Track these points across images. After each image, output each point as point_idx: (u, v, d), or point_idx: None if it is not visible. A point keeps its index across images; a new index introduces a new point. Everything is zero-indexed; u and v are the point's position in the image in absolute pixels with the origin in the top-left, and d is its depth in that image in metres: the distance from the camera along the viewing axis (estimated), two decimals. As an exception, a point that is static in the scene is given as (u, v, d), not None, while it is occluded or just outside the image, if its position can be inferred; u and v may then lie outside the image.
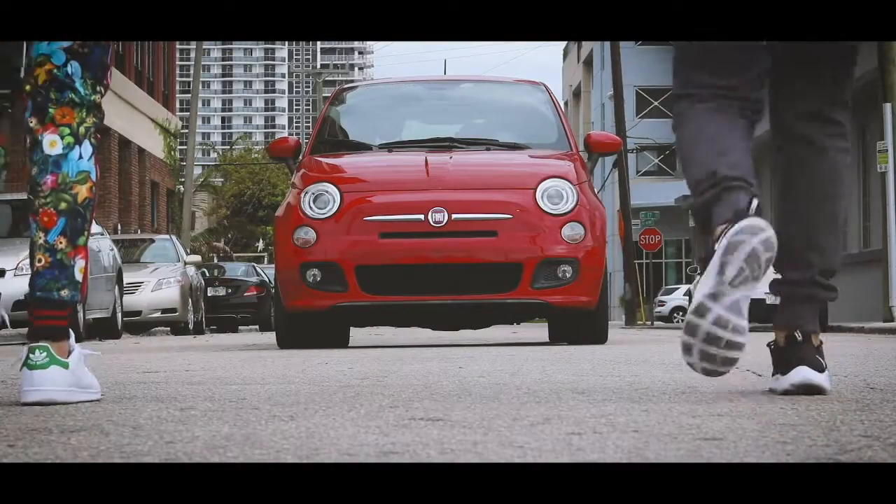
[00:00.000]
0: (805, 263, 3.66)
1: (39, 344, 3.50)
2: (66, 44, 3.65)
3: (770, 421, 2.85)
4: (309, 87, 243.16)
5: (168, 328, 25.11)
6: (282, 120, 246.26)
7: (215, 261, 54.21)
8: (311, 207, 10.03)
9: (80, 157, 3.62)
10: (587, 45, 69.53)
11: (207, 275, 31.74)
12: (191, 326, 24.41)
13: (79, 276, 3.59)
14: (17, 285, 15.90)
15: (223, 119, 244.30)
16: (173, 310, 23.69)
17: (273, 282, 13.46)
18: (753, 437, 2.51)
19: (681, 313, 45.46)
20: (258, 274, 34.58)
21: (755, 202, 3.45)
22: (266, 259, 64.06)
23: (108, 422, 2.97)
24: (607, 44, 52.36)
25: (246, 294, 32.84)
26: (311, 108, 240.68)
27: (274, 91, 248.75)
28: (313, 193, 10.06)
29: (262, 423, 2.89)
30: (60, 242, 3.57)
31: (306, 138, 12.49)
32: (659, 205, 47.64)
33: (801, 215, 3.69)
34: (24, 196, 19.53)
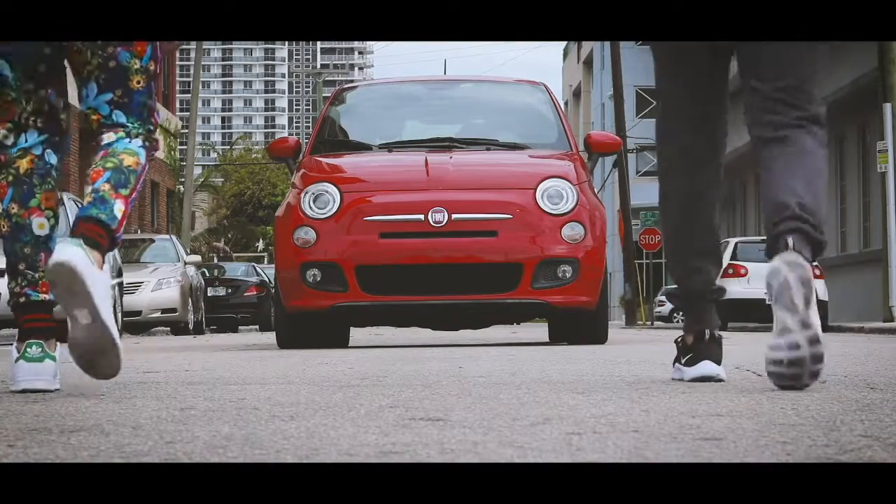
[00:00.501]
0: (784, 203, 3.82)
1: (78, 237, 3.88)
2: (107, 97, 4.14)
3: (770, 421, 2.85)
4: (309, 87, 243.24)
5: (168, 328, 25.12)
6: (282, 120, 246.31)
7: (215, 261, 54.20)
8: (311, 207, 10.03)
9: (130, 143, 4.10)
10: (587, 45, 69.53)
11: (207, 275, 31.74)
12: (191, 326, 24.41)
13: (118, 214, 3.93)
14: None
15: (223, 119, 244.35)
16: (173, 310, 23.69)
17: (273, 282, 13.46)
18: (753, 437, 2.51)
19: (680, 313, 45.44)
20: (258, 274, 34.58)
21: (714, 318, 4.20)
22: (266, 259, 64.04)
23: (108, 422, 2.97)
24: (607, 44, 52.36)
25: (246, 294, 32.84)
26: (311, 108, 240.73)
27: (274, 91, 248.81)
28: (313, 193, 10.06)
29: (262, 423, 2.89)
30: (104, 187, 3.96)
31: (306, 138, 12.50)
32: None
33: (774, 174, 3.90)
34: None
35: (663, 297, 49.08)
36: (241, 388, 4.26)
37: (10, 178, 4.17)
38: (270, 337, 15.84)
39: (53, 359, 4.02)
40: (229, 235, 73.14)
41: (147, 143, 4.14)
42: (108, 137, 4.11)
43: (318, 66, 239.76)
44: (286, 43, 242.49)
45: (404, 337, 16.34)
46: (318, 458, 2.26)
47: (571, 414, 3.06)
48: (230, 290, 32.85)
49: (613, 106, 42.09)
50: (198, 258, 27.41)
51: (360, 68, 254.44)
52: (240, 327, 32.94)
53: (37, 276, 4.17)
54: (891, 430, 2.64)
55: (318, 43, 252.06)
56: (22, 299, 4.15)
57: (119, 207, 3.94)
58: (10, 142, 4.20)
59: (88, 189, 3.98)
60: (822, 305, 24.91)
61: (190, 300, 24.50)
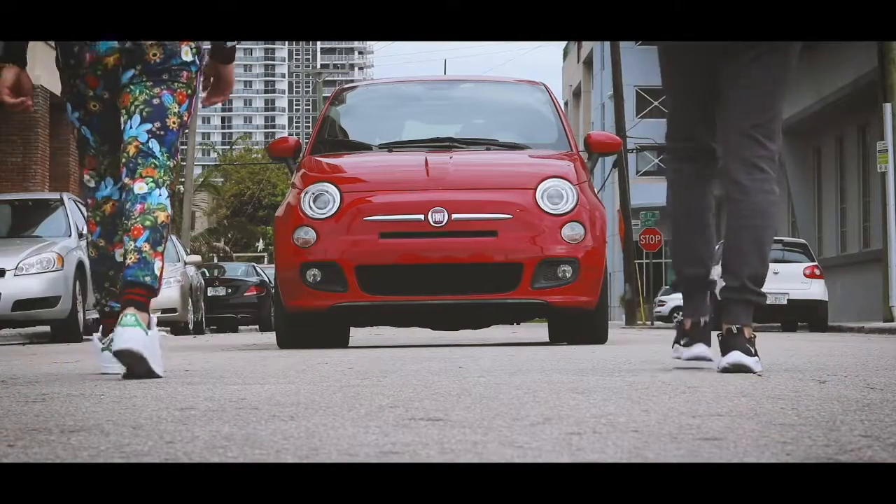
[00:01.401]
0: (737, 274, 5.14)
1: (129, 311, 4.86)
2: (147, 126, 5.07)
3: (770, 421, 2.85)
4: (309, 87, 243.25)
5: (168, 328, 25.13)
6: (282, 120, 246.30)
7: (215, 261, 54.18)
8: (311, 207, 10.02)
9: (160, 195, 5.05)
10: (587, 45, 69.53)
11: (207, 275, 31.73)
12: (191, 326, 24.41)
13: (157, 272, 5.00)
14: (17, 285, 15.87)
15: (223, 119, 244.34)
16: (173, 310, 23.70)
17: (273, 282, 13.46)
18: (753, 437, 2.51)
19: (680, 313, 45.45)
20: (258, 274, 34.57)
21: (707, 308, 5.39)
22: (266, 259, 64.04)
23: (108, 422, 2.97)
24: (607, 44, 52.37)
25: (246, 294, 32.84)
26: (311, 108, 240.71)
27: (274, 91, 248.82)
28: (313, 193, 10.06)
29: (262, 423, 2.89)
30: (145, 247, 4.98)
31: (306, 138, 12.49)
32: (659, 205, 47.60)
33: (734, 239, 5.17)
34: (23, 196, 19.54)
35: (663, 297, 49.11)
36: (241, 388, 4.26)
37: (99, 218, 5.45)
38: (270, 337, 15.85)
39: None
40: (229, 235, 73.14)
41: (170, 191, 5.13)
42: (139, 187, 5.03)
43: (318, 66, 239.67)
44: (286, 43, 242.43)
45: (404, 337, 16.35)
46: (318, 458, 2.26)
47: (571, 414, 3.06)
48: (230, 290, 32.85)
49: (613, 106, 42.10)
50: (198, 258, 27.39)
51: (360, 68, 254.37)
52: (240, 327, 32.93)
53: (115, 289, 5.43)
54: (891, 430, 2.64)
55: (318, 43, 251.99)
56: (107, 308, 5.52)
57: (158, 265, 4.99)
58: (93, 184, 5.45)
59: (131, 245, 4.98)
60: (822, 305, 24.91)
61: (190, 300, 24.49)
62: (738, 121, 5.10)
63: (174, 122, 5.11)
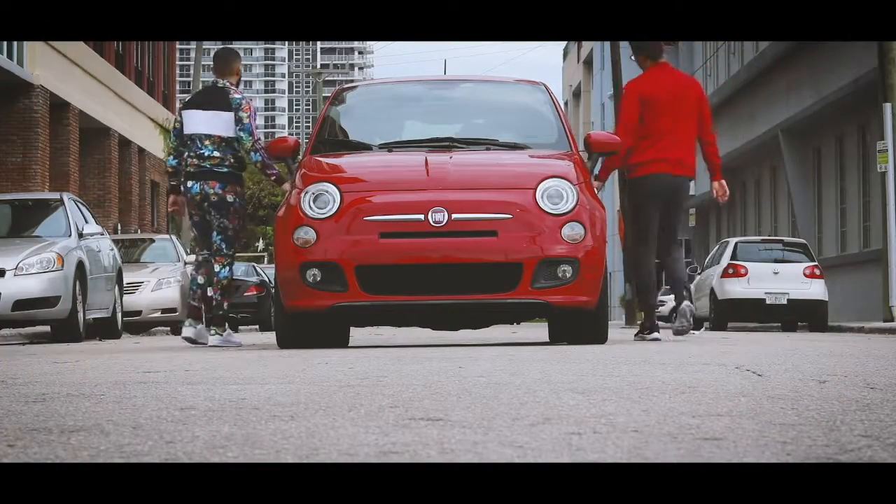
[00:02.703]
0: (680, 280, 11.96)
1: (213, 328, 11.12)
2: (220, 236, 11.19)
3: (770, 421, 2.85)
4: (309, 87, 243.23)
5: (168, 328, 25.13)
6: (282, 120, 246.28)
7: (215, 261, 54.00)
8: (311, 207, 10.02)
9: (226, 271, 11.21)
10: (587, 45, 69.52)
11: (207, 275, 31.67)
12: (191, 326, 24.35)
13: (225, 307, 11.18)
14: (17, 285, 15.88)
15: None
16: (173, 310, 23.70)
17: (273, 282, 13.46)
18: (753, 437, 2.51)
19: (675, 314, 45.33)
20: (258, 274, 34.58)
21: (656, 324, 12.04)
22: (266, 259, 64.01)
23: (108, 422, 2.97)
24: (607, 44, 52.34)
25: (246, 294, 32.85)
26: (311, 108, 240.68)
27: (274, 91, 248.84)
28: (313, 193, 10.05)
29: (262, 423, 2.89)
30: (219, 296, 11.20)
31: (306, 138, 12.50)
32: (659, 205, 47.56)
33: (674, 273, 12.00)
34: (23, 196, 19.55)
35: (663, 297, 49.04)
36: (241, 388, 4.26)
37: (197, 266, 11.28)
38: (270, 337, 15.85)
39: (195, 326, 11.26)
40: (229, 235, 73.08)
41: (230, 265, 11.30)
42: (216, 268, 11.12)
43: (318, 66, 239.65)
44: (286, 43, 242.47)
45: (404, 337, 16.35)
46: (318, 458, 2.26)
47: (571, 414, 3.06)
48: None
49: (613, 106, 42.08)
50: (198, 258, 27.35)
51: (360, 68, 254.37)
52: (240, 327, 32.95)
53: (196, 293, 11.17)
54: (891, 430, 2.64)
55: (318, 43, 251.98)
56: (194, 303, 11.18)
57: (225, 304, 11.14)
58: (202, 258, 11.29)
59: (210, 293, 11.12)
60: (822, 305, 24.92)
61: (190, 300, 24.46)
62: (670, 233, 11.88)
63: (232, 233, 11.19)
